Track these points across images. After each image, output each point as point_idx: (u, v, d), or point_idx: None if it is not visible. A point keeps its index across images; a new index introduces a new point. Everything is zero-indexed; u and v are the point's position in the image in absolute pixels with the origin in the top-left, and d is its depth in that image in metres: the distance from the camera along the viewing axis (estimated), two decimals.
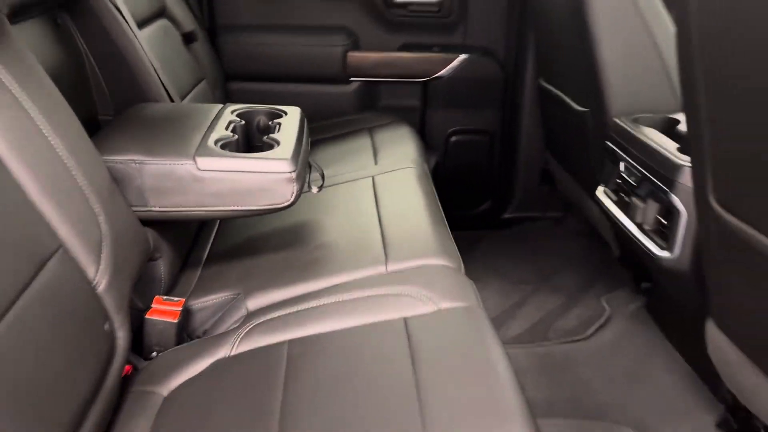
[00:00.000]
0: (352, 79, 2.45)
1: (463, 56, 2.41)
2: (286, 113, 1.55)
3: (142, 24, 1.78)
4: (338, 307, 1.24)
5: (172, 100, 1.70)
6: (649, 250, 1.48)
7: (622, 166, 1.64)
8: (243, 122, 1.49)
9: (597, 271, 2.23)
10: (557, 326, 1.99)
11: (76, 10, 1.53)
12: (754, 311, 1.16)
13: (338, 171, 1.87)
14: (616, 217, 1.66)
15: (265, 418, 0.99)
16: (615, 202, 1.69)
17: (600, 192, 1.79)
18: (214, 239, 1.61)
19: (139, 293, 1.32)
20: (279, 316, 1.25)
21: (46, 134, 1.09)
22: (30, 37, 1.38)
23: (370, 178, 1.77)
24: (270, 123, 1.52)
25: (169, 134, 1.37)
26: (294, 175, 1.27)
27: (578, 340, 1.92)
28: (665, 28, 1.64)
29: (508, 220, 2.62)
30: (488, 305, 1.61)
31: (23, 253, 0.97)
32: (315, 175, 1.50)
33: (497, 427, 0.91)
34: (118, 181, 1.25)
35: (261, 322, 1.24)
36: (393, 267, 1.33)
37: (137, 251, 1.25)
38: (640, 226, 1.56)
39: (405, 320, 1.17)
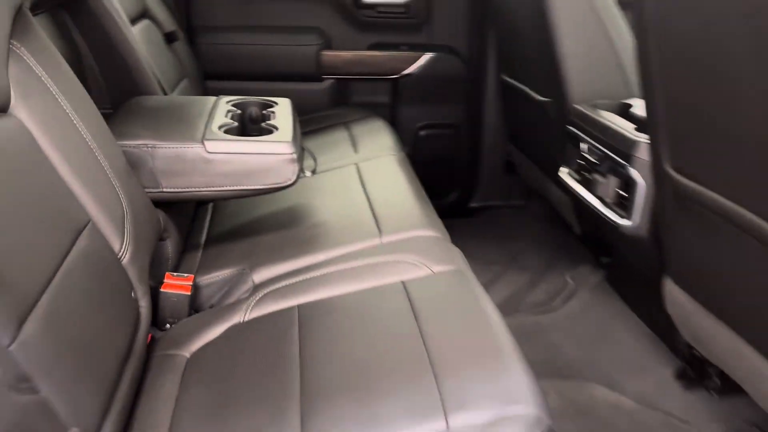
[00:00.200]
0: (325, 76, 2.57)
1: (429, 54, 2.56)
2: (276, 104, 1.67)
3: (129, 23, 1.86)
4: (341, 274, 1.36)
5: (165, 94, 1.79)
6: (612, 221, 1.65)
7: (584, 147, 1.82)
8: (239, 111, 1.59)
9: (560, 250, 2.41)
10: (527, 300, 2.15)
11: (76, 9, 1.60)
12: (706, 263, 1.33)
13: (322, 161, 1.98)
14: (579, 194, 1.83)
15: (286, 367, 1.10)
16: (578, 181, 1.86)
17: (563, 173, 1.96)
18: (210, 224, 1.70)
19: (150, 272, 1.41)
20: (286, 285, 1.36)
21: (72, 118, 1.18)
22: None
23: (354, 165, 1.89)
24: (263, 112, 1.63)
25: (175, 121, 1.46)
26: (295, 156, 1.39)
27: (547, 311, 2.08)
28: (618, 23, 1.83)
29: (474, 209, 2.78)
30: None
31: (60, 225, 1.06)
32: (307, 161, 1.61)
33: (496, 363, 1.05)
34: (131, 164, 1.34)
35: (270, 291, 1.35)
36: (386, 239, 1.46)
37: (152, 229, 1.34)
38: (602, 200, 1.73)
39: (403, 283, 1.29)
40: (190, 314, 1.40)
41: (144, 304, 1.23)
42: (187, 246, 1.62)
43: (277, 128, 1.48)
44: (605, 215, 1.69)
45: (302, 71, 2.54)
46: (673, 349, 1.76)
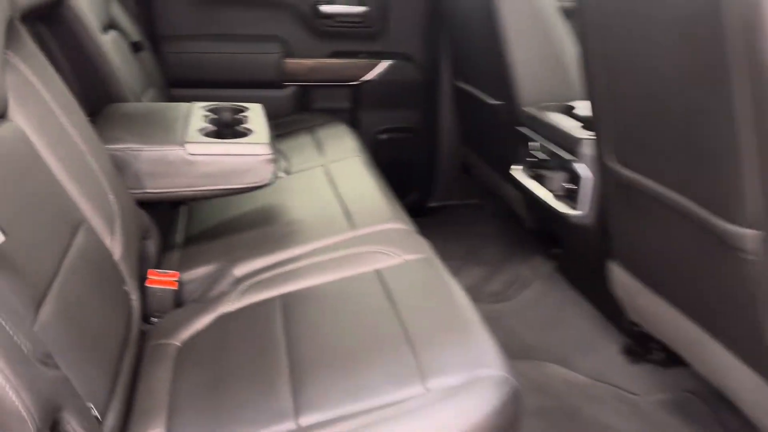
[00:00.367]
0: (287, 83, 2.67)
1: (387, 62, 2.70)
2: (248, 108, 1.76)
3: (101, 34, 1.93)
4: (318, 266, 1.46)
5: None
6: (562, 212, 1.81)
7: (534, 145, 1.97)
8: (215, 116, 1.68)
9: (514, 244, 2.57)
10: (485, 290, 2.30)
11: (52, 20, 1.66)
12: (647, 245, 1.50)
13: (291, 164, 2.08)
14: (531, 190, 1.99)
15: (275, 348, 1.19)
16: (529, 177, 2.02)
17: (515, 171, 2.11)
18: (187, 224, 1.78)
19: None
20: (267, 278, 1.45)
21: (64, 124, 1.25)
22: None
23: (322, 167, 2.00)
24: (236, 117, 1.72)
25: (155, 126, 1.54)
26: (273, 156, 1.49)
27: (504, 300, 2.24)
28: (560, 31, 2.00)
29: (433, 208, 2.92)
30: None
31: (59, 223, 1.14)
32: (280, 163, 1.71)
33: (466, 335, 1.17)
34: (117, 167, 1.41)
35: (252, 284, 1.44)
36: (359, 232, 1.57)
37: (137, 228, 1.42)
38: (552, 194, 1.89)
39: (377, 271, 1.40)
40: (176, 308, 1.47)
41: (134, 297, 1.31)
42: (165, 245, 1.69)
43: (252, 131, 1.58)
44: (555, 207, 1.84)
45: (265, 78, 2.63)
46: (620, 328, 1.93)
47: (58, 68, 1.69)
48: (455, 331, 1.18)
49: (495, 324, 2.12)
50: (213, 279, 1.53)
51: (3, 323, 0.77)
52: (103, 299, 1.15)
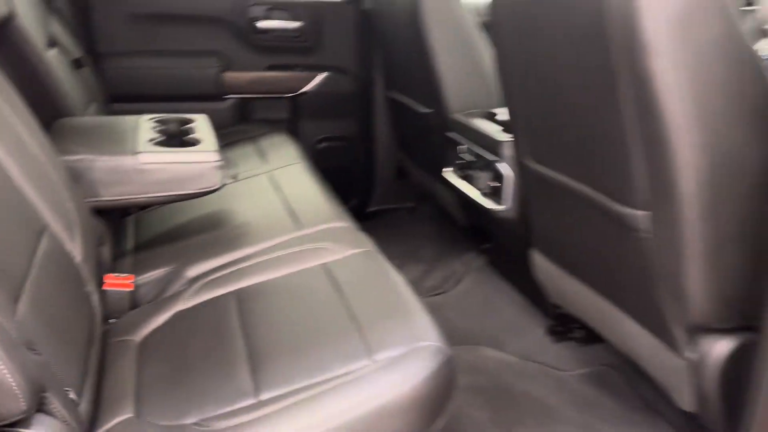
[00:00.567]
0: (227, 96, 2.77)
1: (322, 74, 2.83)
2: (194, 120, 1.86)
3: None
4: (268, 263, 1.57)
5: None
6: (489, 208, 1.99)
7: (462, 149, 2.15)
8: (162, 127, 1.77)
9: (448, 243, 2.75)
10: (424, 285, 2.46)
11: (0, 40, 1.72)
12: (562, 233, 1.68)
13: (236, 171, 2.18)
14: (461, 190, 2.16)
15: (232, 338, 1.29)
16: (459, 178, 2.19)
17: (447, 173, 2.29)
18: (136, 231, 1.86)
19: None
20: (220, 276, 1.55)
21: (20, 132, 1.32)
22: None
23: (266, 174, 2.11)
24: (183, 128, 1.82)
25: (106, 138, 1.62)
26: (221, 163, 1.60)
27: (441, 293, 2.40)
28: (480, 44, 2.19)
29: (372, 213, 3.07)
30: None
31: (24, 229, 1.21)
32: (228, 170, 1.82)
33: (405, 314, 1.30)
34: (73, 177, 1.49)
35: (206, 282, 1.54)
36: (304, 232, 1.69)
37: (93, 235, 1.50)
38: (479, 192, 2.06)
39: (323, 265, 1.53)
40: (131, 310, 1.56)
41: (95, 298, 1.39)
42: (117, 253, 1.77)
43: (199, 140, 1.68)
44: (483, 204, 2.02)
45: (205, 92, 2.72)
46: (544, 311, 2.12)
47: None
48: (397, 312, 1.31)
49: (434, 314, 2.29)
50: (167, 280, 1.62)
51: None
52: (69, 299, 1.23)
